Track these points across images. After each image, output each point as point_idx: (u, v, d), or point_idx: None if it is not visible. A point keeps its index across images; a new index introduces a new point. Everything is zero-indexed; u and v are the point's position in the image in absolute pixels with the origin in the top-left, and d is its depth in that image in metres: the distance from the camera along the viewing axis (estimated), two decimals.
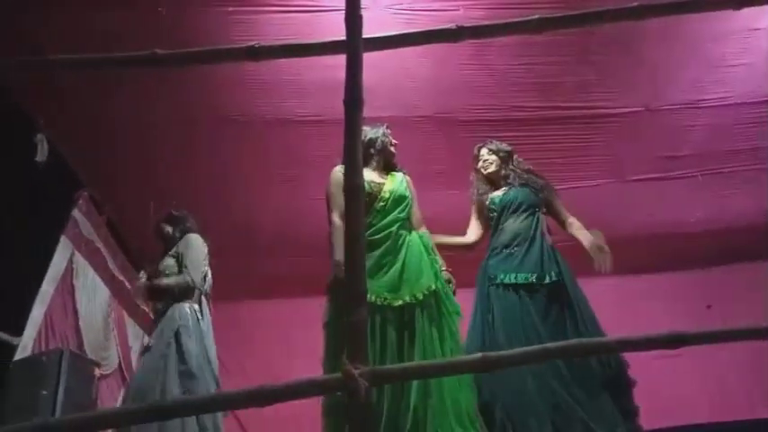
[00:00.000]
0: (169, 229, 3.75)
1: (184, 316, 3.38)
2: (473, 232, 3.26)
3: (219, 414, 3.25)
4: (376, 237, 2.78)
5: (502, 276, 2.92)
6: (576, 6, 2.22)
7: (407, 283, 2.74)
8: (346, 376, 1.44)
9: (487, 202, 3.17)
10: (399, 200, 2.94)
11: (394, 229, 2.86)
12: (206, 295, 3.66)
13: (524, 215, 3.06)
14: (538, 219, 3.08)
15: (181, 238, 3.66)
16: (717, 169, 4.75)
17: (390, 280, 2.74)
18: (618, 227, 5.24)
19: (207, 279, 3.70)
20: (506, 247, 3.00)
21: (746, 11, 2.40)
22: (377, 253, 2.74)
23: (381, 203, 2.90)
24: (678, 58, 3.90)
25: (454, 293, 2.86)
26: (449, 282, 2.87)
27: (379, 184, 2.91)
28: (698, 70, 3.99)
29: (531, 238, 2.99)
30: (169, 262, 3.58)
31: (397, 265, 2.78)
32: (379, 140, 3.02)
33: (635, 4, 1.97)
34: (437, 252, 2.94)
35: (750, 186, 4.91)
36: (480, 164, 3.26)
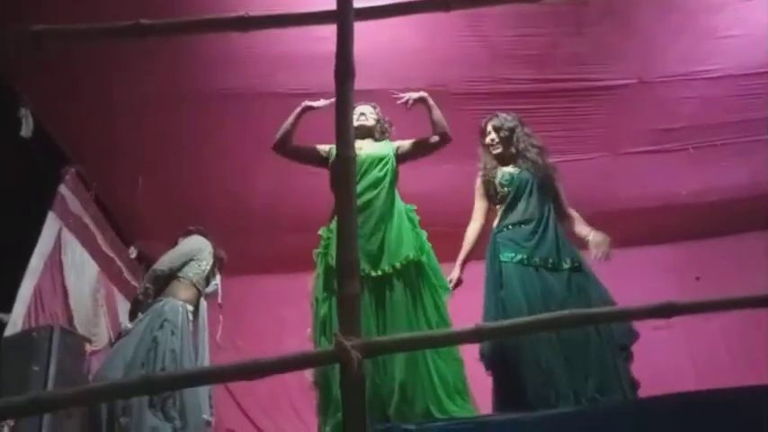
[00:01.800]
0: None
1: (173, 311, 3.35)
2: (480, 214, 3.15)
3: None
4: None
5: (517, 256, 2.86)
6: None
7: (387, 253, 2.74)
8: (339, 348, 1.44)
9: (498, 178, 3.09)
10: (377, 159, 2.94)
11: (375, 193, 2.86)
12: (205, 296, 3.65)
13: (537, 199, 3.03)
14: (550, 205, 3.06)
15: None
16: (709, 142, 4.74)
17: (371, 250, 2.73)
18: (611, 200, 5.26)
19: (210, 282, 3.69)
20: (521, 224, 2.95)
21: None
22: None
23: (358, 167, 2.86)
24: (671, 29, 3.86)
25: None
26: None
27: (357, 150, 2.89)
28: (690, 42, 3.96)
29: (546, 223, 2.96)
30: None
31: (378, 235, 2.78)
32: None
33: None
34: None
35: (742, 159, 4.93)
36: (488, 140, 3.20)
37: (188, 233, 3.81)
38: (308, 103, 3.09)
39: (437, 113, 3.05)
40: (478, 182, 3.20)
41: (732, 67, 4.14)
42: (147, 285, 3.49)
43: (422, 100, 3.08)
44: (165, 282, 3.57)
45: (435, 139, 3.05)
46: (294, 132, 3.10)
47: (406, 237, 2.79)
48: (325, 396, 2.64)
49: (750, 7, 3.72)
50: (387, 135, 3.19)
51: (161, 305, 3.38)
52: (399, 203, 2.95)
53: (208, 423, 3.35)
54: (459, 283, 3.01)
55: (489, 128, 3.21)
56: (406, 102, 3.10)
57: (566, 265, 2.86)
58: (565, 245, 2.93)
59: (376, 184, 2.91)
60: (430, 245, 2.92)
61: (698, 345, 5.53)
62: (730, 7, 3.72)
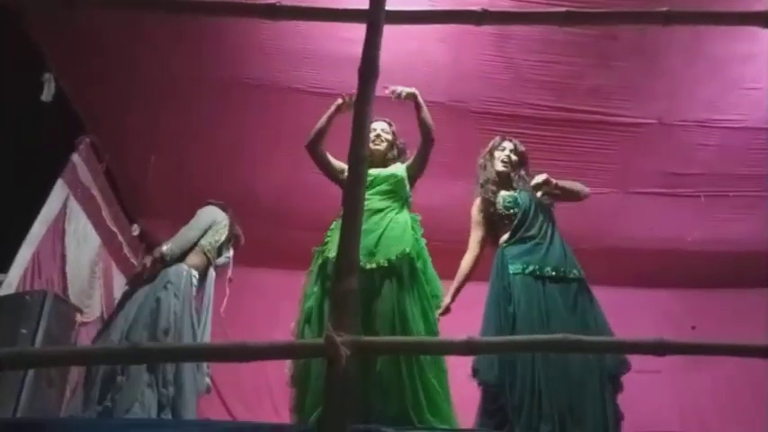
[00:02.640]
0: None
1: (177, 275, 3.35)
2: (476, 244, 3.11)
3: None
4: None
5: (529, 267, 2.86)
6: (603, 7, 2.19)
7: (383, 248, 2.73)
8: (328, 343, 1.43)
9: (500, 202, 3.09)
10: (387, 178, 2.96)
11: (379, 199, 2.88)
12: (215, 267, 3.62)
13: (542, 216, 3.05)
14: (553, 220, 3.09)
15: None
16: (722, 191, 4.72)
17: (369, 246, 2.71)
18: (615, 237, 5.25)
19: (222, 253, 3.67)
20: (532, 239, 2.96)
21: None
22: None
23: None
24: (698, 74, 3.87)
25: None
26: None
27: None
28: (716, 89, 3.96)
29: (552, 237, 2.98)
30: None
31: (378, 232, 2.78)
32: None
33: (664, 9, 1.95)
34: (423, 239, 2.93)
35: (754, 213, 4.89)
36: (499, 154, 3.18)
37: (207, 204, 3.78)
38: (342, 100, 2.99)
39: (426, 113, 2.99)
40: (476, 207, 3.15)
41: (754, 119, 4.14)
42: (176, 251, 3.40)
43: (412, 96, 3.00)
44: None
45: (420, 145, 3.03)
46: (327, 132, 3.05)
47: (406, 237, 2.79)
48: (302, 393, 2.63)
49: None
50: (401, 159, 3.15)
51: (167, 269, 3.38)
52: (405, 213, 2.95)
53: (208, 390, 3.32)
54: (447, 310, 2.97)
55: (506, 144, 3.20)
56: (399, 95, 3.00)
57: (574, 275, 2.86)
58: (571, 257, 2.94)
59: (382, 193, 2.93)
60: (429, 257, 2.90)
61: (683, 393, 5.49)
62: (758, 59, 3.72)
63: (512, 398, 2.62)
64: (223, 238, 3.63)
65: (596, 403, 2.61)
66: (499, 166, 3.17)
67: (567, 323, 2.66)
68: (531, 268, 2.85)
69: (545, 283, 2.82)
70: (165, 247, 3.35)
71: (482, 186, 3.16)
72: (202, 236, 3.54)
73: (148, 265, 3.33)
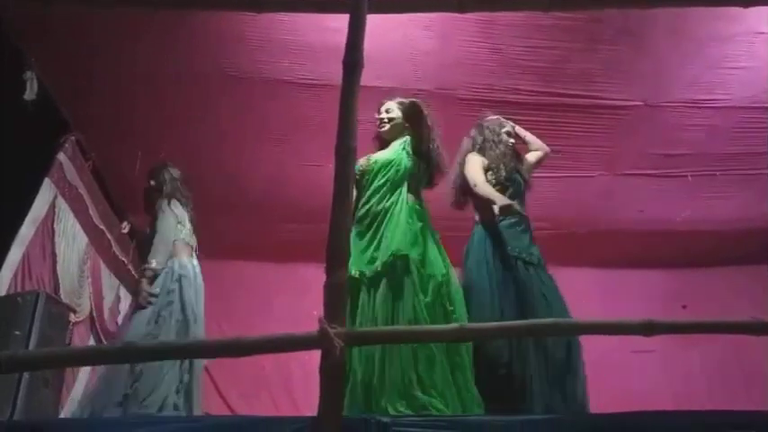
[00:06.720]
0: (152, 183, 3.75)
1: (183, 266, 3.42)
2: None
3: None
4: (359, 213, 2.84)
5: (522, 254, 2.96)
6: None
7: (381, 254, 2.73)
8: (322, 335, 1.44)
9: (503, 173, 3.15)
10: (382, 166, 2.93)
11: (374, 201, 2.86)
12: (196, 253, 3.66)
13: (522, 198, 3.17)
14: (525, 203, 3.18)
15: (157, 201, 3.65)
16: (709, 171, 4.76)
17: (370, 256, 2.75)
18: (606, 220, 5.29)
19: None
20: (515, 225, 3.05)
21: (754, 14, 2.39)
22: (358, 229, 2.81)
23: (366, 177, 2.92)
24: (682, 55, 3.88)
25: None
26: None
27: (369, 160, 2.96)
28: (700, 70, 3.97)
29: (528, 220, 3.09)
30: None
31: (376, 240, 2.78)
32: None
33: None
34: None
35: (740, 191, 4.95)
36: (512, 141, 3.32)
37: (152, 175, 3.78)
38: None
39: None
40: (479, 164, 3.18)
41: (737, 98, 4.16)
42: (163, 261, 3.42)
43: None
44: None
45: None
46: None
47: (399, 233, 2.77)
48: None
49: (760, 41, 3.74)
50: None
51: (170, 265, 3.43)
52: (402, 201, 2.87)
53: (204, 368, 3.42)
54: (507, 207, 2.89)
55: (510, 130, 3.35)
56: None
57: (536, 260, 2.98)
58: (534, 243, 3.06)
59: (375, 192, 2.90)
60: (432, 237, 2.84)
61: (676, 371, 5.56)
62: (741, 39, 3.74)
63: (497, 377, 2.67)
64: (193, 223, 3.67)
65: (582, 384, 2.68)
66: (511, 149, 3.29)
67: (537, 302, 2.77)
68: (521, 254, 2.92)
69: (517, 263, 2.93)
70: (154, 264, 3.40)
71: (494, 144, 3.23)
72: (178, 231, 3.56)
73: (145, 285, 3.35)
